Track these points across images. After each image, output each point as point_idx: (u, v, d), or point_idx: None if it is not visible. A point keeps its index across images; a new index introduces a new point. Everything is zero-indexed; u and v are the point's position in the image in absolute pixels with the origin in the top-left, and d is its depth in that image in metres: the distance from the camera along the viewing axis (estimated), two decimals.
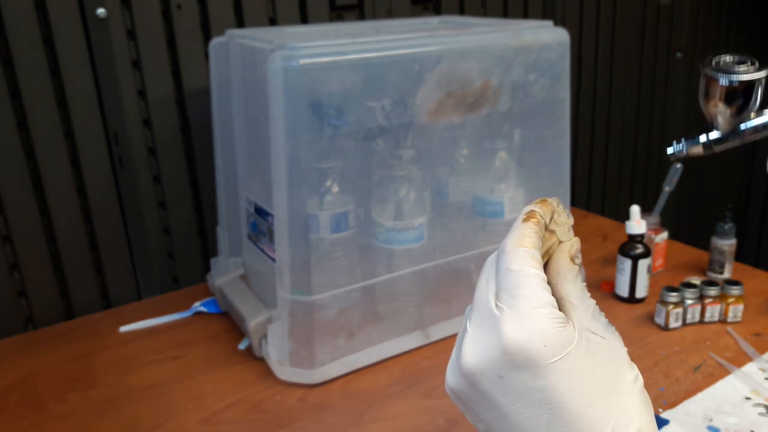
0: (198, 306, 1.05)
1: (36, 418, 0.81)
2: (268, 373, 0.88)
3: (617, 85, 1.70)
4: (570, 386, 0.32)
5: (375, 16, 1.24)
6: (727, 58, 0.35)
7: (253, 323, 0.88)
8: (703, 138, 0.36)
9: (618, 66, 1.69)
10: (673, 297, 0.93)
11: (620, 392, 0.33)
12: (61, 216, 1.03)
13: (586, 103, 1.65)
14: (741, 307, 0.94)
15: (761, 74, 0.33)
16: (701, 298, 0.95)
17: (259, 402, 0.83)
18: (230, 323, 1.01)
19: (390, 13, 1.26)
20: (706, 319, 0.95)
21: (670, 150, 0.39)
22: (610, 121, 1.72)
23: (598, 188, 1.77)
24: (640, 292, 1.01)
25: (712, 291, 0.94)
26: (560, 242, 0.38)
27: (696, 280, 0.98)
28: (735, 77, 0.33)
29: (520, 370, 0.32)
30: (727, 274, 1.07)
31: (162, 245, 1.13)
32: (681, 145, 0.37)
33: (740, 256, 1.08)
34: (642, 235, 1.00)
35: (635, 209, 1.01)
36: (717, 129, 0.35)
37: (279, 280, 0.84)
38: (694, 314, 0.95)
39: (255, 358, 0.91)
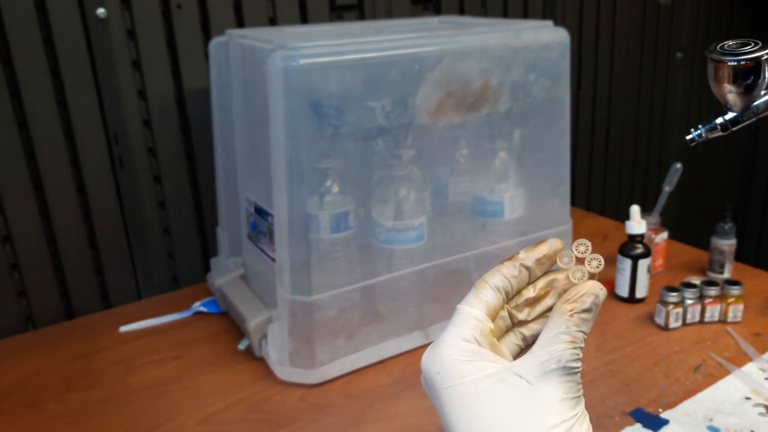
0: (198, 306, 1.05)
1: (36, 418, 0.81)
2: (268, 373, 0.88)
3: (617, 85, 1.70)
4: (460, 416, 0.36)
5: (375, 16, 1.24)
6: (731, 42, 0.36)
7: (253, 323, 0.88)
8: (720, 119, 0.37)
9: (618, 66, 1.69)
10: (673, 297, 0.93)
11: (517, 428, 0.35)
12: (61, 216, 1.03)
13: (586, 103, 1.65)
14: (741, 307, 0.94)
15: (765, 53, 0.34)
16: (701, 298, 0.95)
17: (259, 402, 0.83)
18: (230, 323, 1.01)
19: (390, 13, 1.26)
20: (706, 319, 0.95)
21: (689, 136, 0.40)
22: (610, 121, 1.72)
23: (598, 188, 1.77)
24: (640, 292, 1.01)
25: (712, 291, 0.94)
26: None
27: (696, 280, 0.98)
28: (741, 57, 0.34)
29: (429, 389, 0.39)
30: (727, 274, 1.07)
31: (162, 245, 1.13)
32: (699, 130, 0.38)
33: (740, 256, 1.08)
34: (642, 235, 1.00)
35: (635, 209, 1.01)
36: (731, 110, 0.37)
37: (279, 280, 0.84)
38: (694, 314, 0.95)
39: (255, 358, 0.91)
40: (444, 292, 0.94)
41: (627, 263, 1.00)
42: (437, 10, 1.33)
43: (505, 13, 1.43)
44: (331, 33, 0.95)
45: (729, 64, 0.35)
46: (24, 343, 0.98)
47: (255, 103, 0.89)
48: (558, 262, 0.40)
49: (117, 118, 1.04)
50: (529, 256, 0.40)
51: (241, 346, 0.95)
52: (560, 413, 0.35)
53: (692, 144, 0.42)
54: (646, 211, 1.09)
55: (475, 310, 0.39)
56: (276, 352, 0.87)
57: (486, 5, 1.40)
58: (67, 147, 1.01)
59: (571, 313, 0.36)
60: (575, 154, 1.67)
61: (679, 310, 0.94)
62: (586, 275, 0.39)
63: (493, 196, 0.95)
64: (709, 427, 0.74)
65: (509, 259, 0.40)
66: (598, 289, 0.38)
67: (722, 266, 1.06)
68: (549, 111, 0.96)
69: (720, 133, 0.38)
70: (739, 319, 0.95)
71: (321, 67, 0.77)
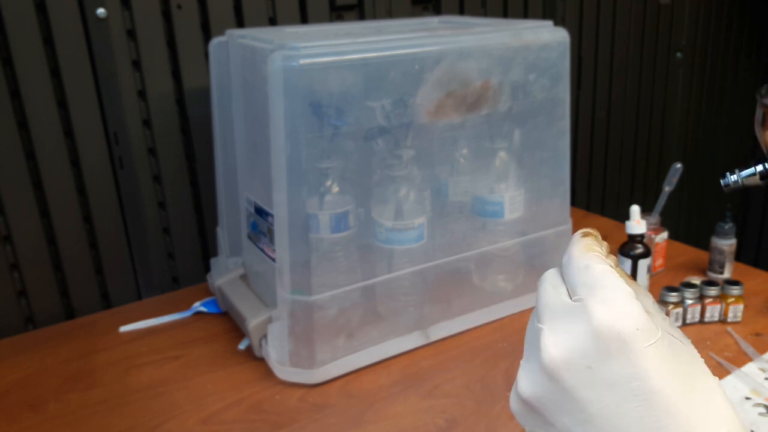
0: (198, 306, 1.05)
1: (36, 418, 0.81)
2: (268, 373, 0.88)
3: (617, 85, 1.70)
4: (664, 375, 0.30)
5: (375, 16, 1.24)
6: None
7: (253, 323, 0.88)
8: (760, 167, 0.35)
9: (618, 66, 1.69)
10: (673, 297, 0.93)
11: (707, 393, 0.31)
12: (61, 216, 1.03)
13: (586, 103, 1.65)
14: (741, 307, 0.94)
15: None
16: (701, 298, 0.95)
17: (259, 402, 0.83)
18: (230, 323, 1.01)
19: (390, 13, 1.26)
20: (706, 319, 0.95)
21: (723, 181, 0.37)
22: (610, 121, 1.72)
23: (598, 188, 1.77)
24: None
25: (712, 291, 0.94)
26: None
27: (696, 280, 0.98)
28: None
29: (612, 357, 0.30)
30: (727, 274, 1.07)
31: (162, 245, 1.13)
32: (736, 176, 0.36)
33: (740, 256, 1.08)
34: (642, 235, 1.00)
35: (635, 209, 1.01)
36: None
37: (279, 280, 0.84)
38: (694, 314, 0.95)
39: (255, 358, 0.91)
40: (444, 292, 0.94)
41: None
42: (437, 10, 1.33)
43: (505, 13, 1.43)
44: (331, 33, 0.95)
45: None
46: (24, 343, 0.98)
47: (255, 103, 0.89)
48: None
49: (117, 118, 1.04)
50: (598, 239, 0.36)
51: (241, 346, 0.95)
52: (709, 372, 0.32)
53: (726, 189, 0.39)
54: (646, 211, 1.09)
55: (618, 269, 0.34)
56: (276, 352, 0.87)
57: (486, 5, 1.40)
58: (67, 147, 1.01)
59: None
60: (575, 154, 1.67)
61: (679, 310, 0.94)
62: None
63: (493, 196, 0.95)
64: None
65: (590, 234, 0.36)
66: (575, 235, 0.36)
67: (722, 266, 1.06)
68: (549, 111, 0.96)
69: (758, 183, 0.36)
70: (739, 319, 0.95)
71: (321, 67, 0.77)
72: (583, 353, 0.30)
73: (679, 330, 0.34)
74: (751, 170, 0.36)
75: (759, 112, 0.34)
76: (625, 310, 0.30)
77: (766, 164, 0.35)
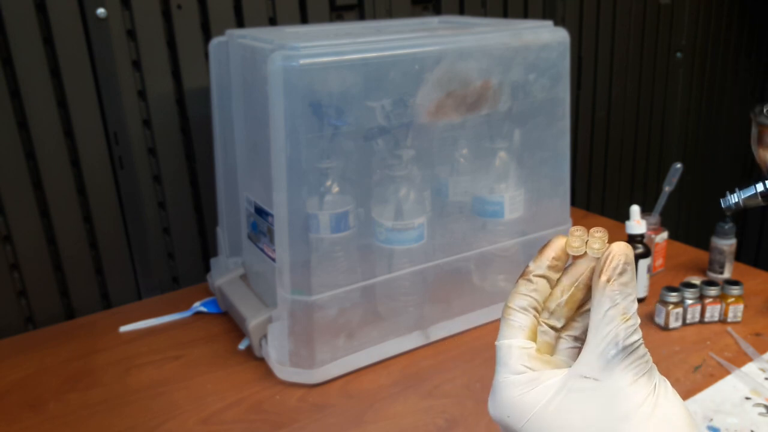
0: (198, 306, 1.05)
1: (36, 418, 0.81)
2: (268, 373, 0.88)
3: (617, 85, 1.70)
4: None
5: (375, 16, 1.24)
6: None
7: (253, 323, 0.88)
8: (760, 187, 0.34)
9: (618, 66, 1.69)
10: (673, 297, 0.93)
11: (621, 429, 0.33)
12: (61, 216, 1.03)
13: (586, 103, 1.65)
14: (741, 307, 0.94)
15: None
16: (701, 298, 0.95)
17: (259, 402, 0.83)
18: (230, 323, 1.01)
19: (390, 13, 1.26)
20: (706, 319, 0.95)
21: (724, 203, 0.37)
22: (610, 121, 1.72)
23: (598, 188, 1.77)
24: (640, 292, 1.01)
25: (712, 291, 0.94)
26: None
27: (696, 280, 0.98)
28: None
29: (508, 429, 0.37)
30: (727, 274, 1.06)
31: (162, 245, 1.13)
32: (735, 195, 0.35)
33: (740, 256, 1.08)
34: (642, 235, 1.00)
35: (635, 209, 1.01)
36: None
37: (279, 280, 0.84)
38: (694, 314, 0.95)
39: (255, 358, 0.91)
40: (444, 292, 0.94)
41: None
42: (437, 10, 1.33)
43: (505, 13, 1.43)
44: (331, 33, 0.95)
45: None
46: (24, 343, 0.98)
47: (255, 103, 0.89)
48: (570, 252, 0.39)
49: (117, 118, 1.04)
50: (538, 265, 0.39)
51: (241, 346, 0.95)
52: (637, 395, 0.33)
53: (727, 212, 0.39)
54: (646, 211, 1.09)
55: (513, 340, 0.38)
56: (276, 352, 0.87)
57: (486, 5, 1.40)
58: (67, 147, 1.01)
59: (610, 282, 0.34)
60: (575, 154, 1.67)
61: (679, 310, 0.94)
62: (605, 242, 0.37)
63: (493, 196, 0.95)
64: (709, 427, 0.74)
65: (521, 276, 0.39)
66: (624, 247, 0.36)
67: (722, 266, 1.06)
68: (549, 111, 0.96)
69: (760, 203, 0.35)
70: (739, 319, 0.95)
71: (321, 67, 0.77)
72: (500, 425, 0.37)
73: (610, 352, 0.34)
74: (750, 190, 0.35)
75: (754, 131, 0.34)
76: (499, 400, 0.37)
77: (766, 182, 0.35)
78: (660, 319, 0.94)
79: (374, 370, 0.89)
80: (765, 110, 0.34)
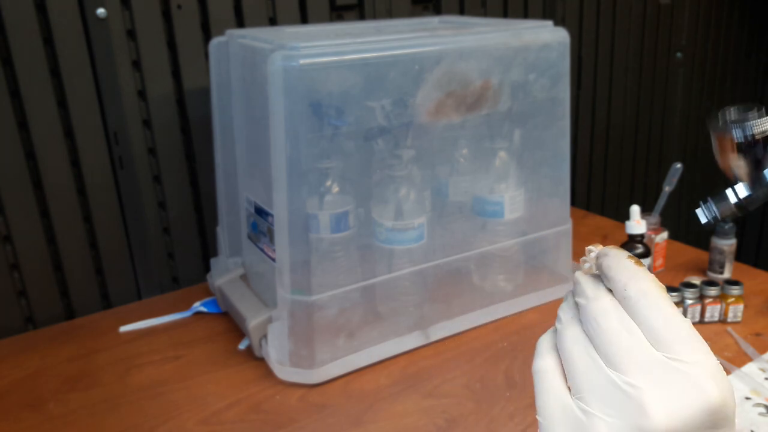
0: (198, 306, 1.05)
1: (36, 418, 0.81)
2: (268, 373, 0.88)
3: (617, 85, 1.70)
4: None
5: (375, 16, 1.24)
6: (733, 112, 0.33)
7: (253, 323, 0.88)
8: (732, 197, 0.34)
9: (618, 66, 1.69)
10: (673, 297, 0.93)
11: None
12: (61, 216, 1.03)
13: (586, 103, 1.65)
14: (741, 307, 0.94)
15: None
16: (701, 298, 0.95)
17: (259, 402, 0.83)
18: (230, 323, 1.01)
19: (390, 13, 1.26)
20: (706, 319, 0.95)
21: (702, 217, 0.36)
22: (610, 121, 1.72)
23: (598, 188, 1.77)
24: None
25: (712, 291, 0.94)
26: None
27: (696, 280, 0.98)
28: (749, 130, 0.32)
29: (717, 429, 0.29)
30: (727, 274, 1.06)
31: (162, 245, 1.13)
32: (711, 208, 0.35)
33: (740, 256, 1.08)
34: (642, 235, 1.00)
35: (635, 209, 1.01)
36: (741, 183, 0.34)
37: (279, 280, 0.84)
38: (694, 314, 0.95)
39: (255, 358, 0.91)
40: (444, 292, 0.94)
41: None
42: (437, 10, 1.33)
43: (505, 13, 1.43)
44: (331, 33, 0.95)
45: (735, 138, 0.32)
46: (24, 343, 0.98)
47: (255, 103, 0.89)
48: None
49: (117, 118, 1.04)
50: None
51: (241, 346, 0.95)
52: None
53: (707, 227, 0.38)
54: (646, 211, 1.09)
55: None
56: (276, 352, 0.87)
57: (486, 5, 1.40)
58: (67, 147, 1.01)
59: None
60: (575, 154, 1.67)
61: (679, 310, 0.94)
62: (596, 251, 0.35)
63: (493, 196, 0.95)
64: None
65: (636, 263, 0.34)
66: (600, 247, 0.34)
67: (722, 266, 1.06)
68: (549, 111, 0.96)
69: (735, 213, 0.34)
70: (739, 319, 0.95)
71: (321, 67, 0.77)
72: (693, 426, 0.29)
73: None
74: (723, 200, 0.35)
75: (714, 141, 0.34)
76: (729, 386, 0.30)
77: (736, 191, 0.35)
78: None
79: (374, 370, 0.89)
80: (721, 119, 0.34)
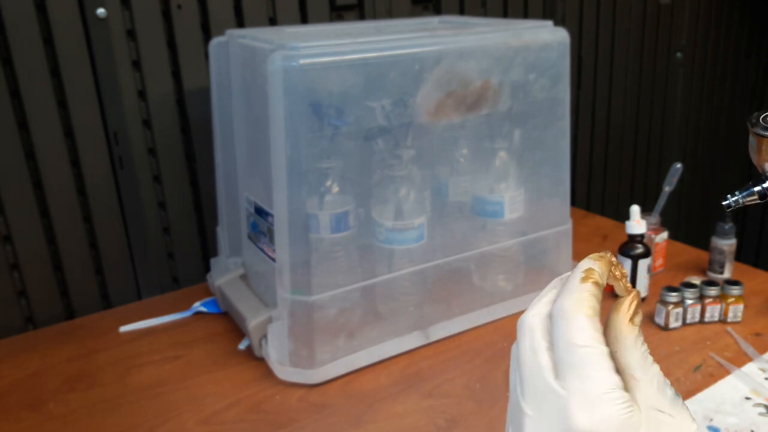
0: (198, 306, 1.05)
1: (36, 418, 0.81)
2: (268, 373, 0.88)
3: (617, 85, 1.70)
4: None
5: (375, 16, 1.24)
6: None
7: (253, 323, 0.88)
8: (758, 188, 0.37)
9: (618, 66, 1.69)
10: (673, 297, 0.93)
11: None
12: (61, 216, 1.03)
13: (586, 103, 1.65)
14: (741, 307, 0.94)
15: None
16: (701, 298, 0.95)
17: (259, 402, 0.83)
18: (230, 323, 1.01)
19: (390, 13, 1.26)
20: (706, 319, 0.95)
21: (726, 202, 0.39)
22: (610, 121, 1.72)
23: (598, 188, 1.77)
24: (640, 292, 1.01)
25: (712, 291, 0.94)
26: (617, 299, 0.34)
27: (696, 280, 0.98)
28: None
29: None
30: (727, 274, 1.06)
31: (162, 245, 1.13)
32: (737, 196, 0.38)
33: (740, 256, 1.08)
34: (642, 235, 1.00)
35: (635, 209, 1.01)
36: None
37: (279, 280, 0.84)
38: (694, 314, 0.95)
39: (255, 358, 0.91)
40: (444, 292, 0.94)
41: (627, 263, 1.00)
42: (437, 10, 1.33)
43: (505, 13, 1.43)
44: (331, 33, 0.95)
45: None
46: (24, 343, 0.98)
47: (255, 103, 0.89)
48: (613, 272, 0.36)
49: (117, 118, 1.04)
50: (602, 274, 0.34)
51: (241, 346, 0.95)
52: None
53: (728, 209, 0.41)
54: (646, 211, 1.09)
55: (606, 347, 0.32)
56: (276, 352, 0.87)
57: (486, 5, 1.40)
58: (67, 147, 1.01)
59: (636, 324, 0.33)
60: (575, 154, 1.67)
61: (679, 310, 0.94)
62: (628, 285, 0.36)
63: (493, 196, 0.95)
64: (709, 427, 0.74)
65: (590, 277, 0.33)
66: (637, 295, 0.35)
67: (722, 266, 1.06)
68: (549, 111, 0.96)
69: (758, 201, 0.37)
70: (739, 319, 0.95)
71: (321, 67, 0.77)
72: None
73: (669, 391, 0.32)
74: (749, 190, 0.38)
75: (752, 140, 0.35)
76: (604, 416, 0.30)
77: (763, 185, 0.37)
78: (660, 319, 0.94)
79: (374, 370, 0.89)
80: (761, 119, 0.35)
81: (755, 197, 0.38)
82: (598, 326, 0.32)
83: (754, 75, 2.09)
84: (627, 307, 0.34)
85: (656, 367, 0.33)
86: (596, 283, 0.33)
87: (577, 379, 0.30)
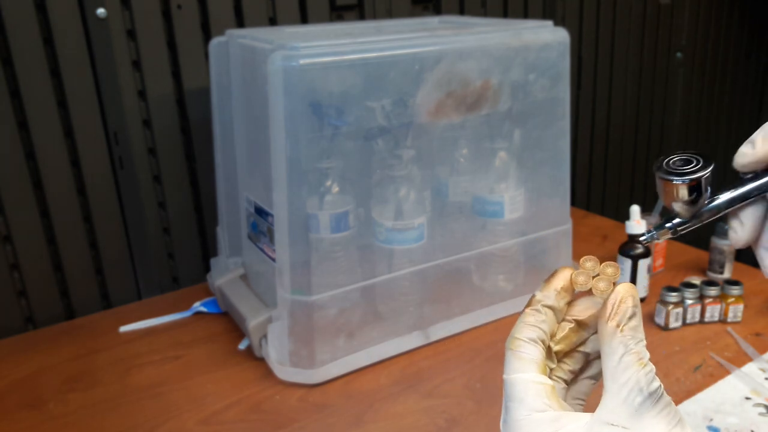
0: (198, 306, 1.05)
1: (36, 418, 0.81)
2: (268, 373, 0.88)
3: (617, 85, 1.70)
4: None
5: (375, 16, 1.24)
6: (675, 160, 0.39)
7: (253, 323, 0.88)
8: (668, 225, 0.41)
9: (618, 66, 1.69)
10: (673, 297, 0.93)
11: None
12: (61, 216, 1.03)
13: (586, 103, 1.65)
14: (741, 307, 0.94)
15: (706, 172, 0.38)
16: (701, 298, 0.95)
17: (259, 402, 0.83)
18: (230, 323, 1.01)
19: (390, 13, 1.26)
20: (706, 319, 0.95)
21: (642, 238, 0.43)
22: (610, 121, 1.72)
23: (598, 188, 1.77)
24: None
25: (712, 291, 0.94)
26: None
27: (696, 280, 0.98)
28: (686, 178, 0.38)
29: None
30: (727, 274, 1.06)
31: (162, 245, 1.13)
32: (652, 233, 0.42)
33: (740, 256, 1.08)
34: (642, 235, 1.00)
35: (635, 209, 1.01)
36: (679, 217, 0.41)
37: (279, 280, 0.84)
38: (694, 314, 0.95)
39: (255, 358, 0.91)
40: (444, 292, 0.94)
41: (627, 263, 1.00)
42: (437, 10, 1.33)
43: (505, 13, 1.43)
44: (331, 33, 0.95)
45: (674, 182, 0.38)
46: (24, 343, 0.98)
47: (255, 103, 0.89)
48: (575, 287, 0.37)
49: (117, 118, 1.04)
50: (546, 295, 0.36)
51: (241, 346, 0.95)
52: None
53: (645, 244, 0.46)
54: (646, 211, 1.09)
55: (527, 375, 0.34)
56: (276, 352, 0.87)
57: (486, 5, 1.40)
58: (67, 147, 1.01)
59: (620, 328, 0.33)
60: (575, 154, 1.67)
61: (679, 310, 0.94)
62: (611, 284, 0.36)
63: (493, 196, 0.95)
64: (709, 427, 0.74)
65: (527, 305, 0.36)
66: (630, 289, 0.35)
67: (722, 266, 1.06)
68: (549, 111, 0.96)
69: (670, 236, 0.42)
70: (739, 319, 0.95)
71: (321, 67, 0.77)
72: None
73: (636, 400, 0.32)
74: (662, 228, 0.42)
75: (659, 183, 0.40)
76: None
77: (673, 221, 0.41)
78: (660, 319, 0.94)
79: (374, 370, 0.89)
80: (664, 165, 0.39)
81: (669, 233, 0.42)
82: (527, 352, 0.35)
83: (754, 75, 2.09)
84: (608, 311, 0.34)
85: (632, 372, 0.32)
86: (533, 307, 0.36)
87: (505, 411, 0.34)
